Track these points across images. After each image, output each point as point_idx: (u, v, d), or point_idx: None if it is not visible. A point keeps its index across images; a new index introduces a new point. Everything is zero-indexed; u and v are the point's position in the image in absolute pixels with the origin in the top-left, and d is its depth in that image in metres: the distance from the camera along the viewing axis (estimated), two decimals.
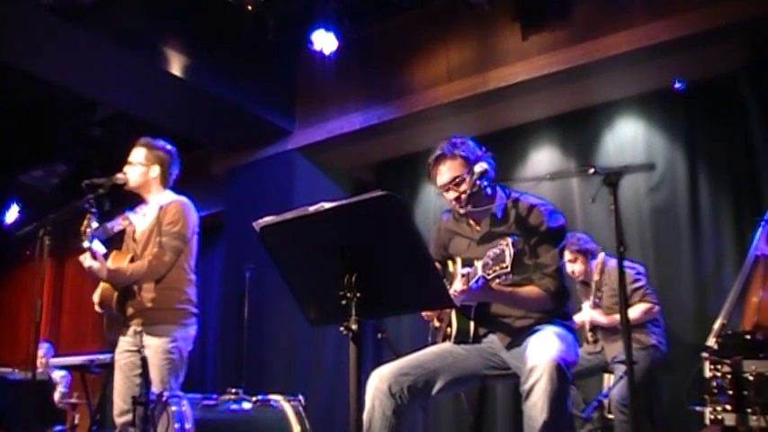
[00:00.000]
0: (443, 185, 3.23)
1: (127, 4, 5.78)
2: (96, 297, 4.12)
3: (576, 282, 5.14)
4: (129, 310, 4.08)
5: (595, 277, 4.98)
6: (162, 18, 6.08)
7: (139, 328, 4.04)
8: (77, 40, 5.65)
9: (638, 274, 4.96)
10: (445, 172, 3.21)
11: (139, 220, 4.27)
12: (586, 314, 4.96)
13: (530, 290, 3.07)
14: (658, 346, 4.81)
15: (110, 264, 4.00)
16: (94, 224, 3.89)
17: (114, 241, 4.37)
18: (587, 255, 5.07)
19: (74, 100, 7.32)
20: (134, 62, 6.00)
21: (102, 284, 4.08)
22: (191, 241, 4.21)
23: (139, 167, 4.21)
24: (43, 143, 7.98)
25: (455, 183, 3.19)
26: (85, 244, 3.87)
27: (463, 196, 3.16)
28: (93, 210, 3.90)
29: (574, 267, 5.07)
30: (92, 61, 5.93)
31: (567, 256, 5.02)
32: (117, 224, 4.30)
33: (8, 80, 6.76)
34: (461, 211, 3.22)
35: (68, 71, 6.16)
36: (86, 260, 3.90)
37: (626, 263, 4.89)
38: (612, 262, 4.95)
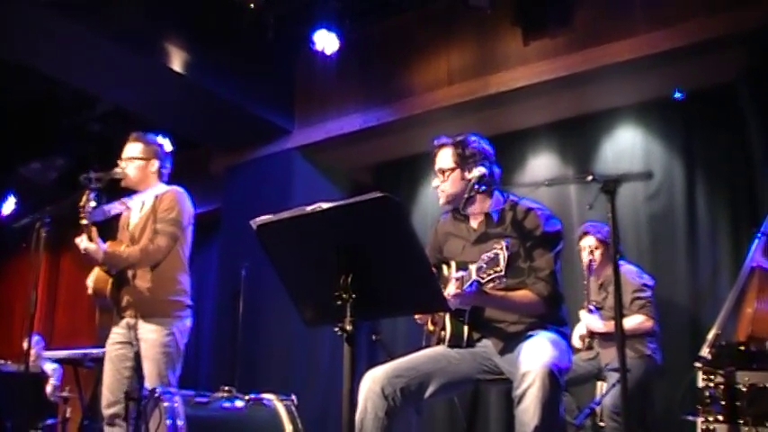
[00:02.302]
0: (435, 170, 3.32)
1: (127, 2, 5.78)
2: (90, 282, 4.10)
3: (585, 276, 5.09)
4: (124, 300, 4.07)
5: (601, 279, 4.99)
6: (162, 15, 6.08)
7: (133, 321, 4.04)
8: (77, 36, 5.64)
9: (646, 285, 4.91)
10: (439, 158, 3.31)
11: (136, 208, 4.26)
12: (584, 320, 4.94)
13: (523, 294, 3.08)
14: (653, 357, 4.80)
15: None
16: (93, 203, 3.87)
17: (109, 230, 4.35)
18: (608, 250, 4.93)
19: (73, 96, 7.33)
20: (134, 59, 5.99)
21: (96, 271, 4.06)
22: (186, 229, 4.21)
23: (138, 162, 4.21)
24: (42, 138, 7.99)
25: (441, 172, 3.28)
26: (84, 221, 3.86)
27: (442, 186, 3.26)
28: (93, 186, 3.88)
29: (594, 255, 5.01)
30: (92, 58, 5.93)
31: (591, 241, 5.02)
32: (115, 207, 4.29)
33: (8, 75, 6.76)
34: (440, 202, 3.32)
35: (68, 67, 6.16)
36: (82, 242, 3.89)
37: (638, 272, 4.95)
38: (627, 267, 4.94)
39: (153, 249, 4.04)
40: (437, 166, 3.29)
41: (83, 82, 6.54)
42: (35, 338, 7.46)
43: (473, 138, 3.31)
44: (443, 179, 3.26)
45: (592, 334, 4.95)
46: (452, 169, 3.23)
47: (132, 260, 4.02)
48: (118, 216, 4.41)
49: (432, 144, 3.36)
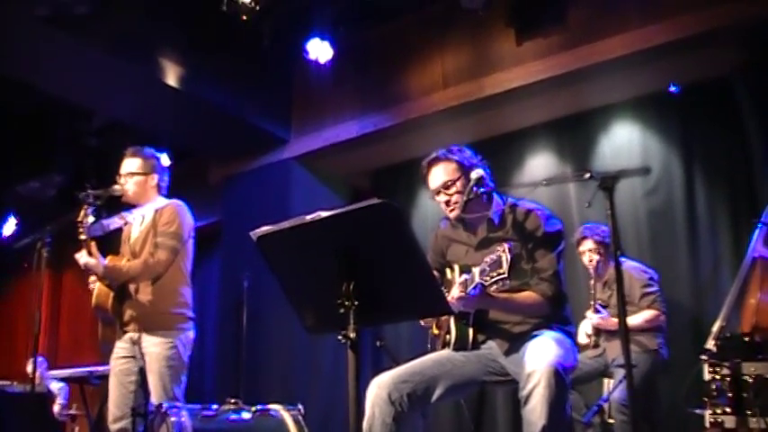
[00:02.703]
0: (435, 189, 3.26)
1: (123, 14, 5.78)
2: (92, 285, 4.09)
3: (589, 277, 5.11)
4: (126, 315, 4.06)
5: (605, 277, 4.99)
6: (158, 27, 6.09)
7: (136, 335, 4.03)
8: (74, 49, 5.65)
9: (651, 279, 4.92)
10: (437, 175, 3.25)
11: (136, 222, 4.26)
12: (593, 320, 4.92)
13: (526, 295, 3.08)
14: (660, 351, 4.79)
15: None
16: (91, 218, 3.88)
17: (110, 244, 4.35)
18: (608, 248, 4.95)
19: (70, 110, 7.33)
20: (131, 71, 6.00)
21: (97, 287, 4.06)
22: (186, 243, 4.21)
23: (137, 177, 4.20)
24: (40, 154, 7.98)
25: (445, 186, 3.22)
26: (82, 236, 3.86)
27: (454, 197, 3.20)
28: (90, 200, 3.89)
29: (593, 256, 5.02)
30: (88, 71, 5.94)
31: (590, 245, 5.01)
32: (114, 222, 4.28)
33: (4, 90, 6.77)
34: (451, 215, 3.26)
35: (65, 81, 6.17)
36: (82, 257, 3.89)
37: (641, 267, 4.95)
38: (629, 263, 4.94)
39: (153, 263, 4.04)
40: (439, 181, 3.23)
41: (79, 95, 6.53)
42: (38, 360, 7.45)
43: (457, 147, 3.29)
44: (457, 189, 3.20)
45: (598, 331, 4.94)
46: (459, 178, 3.20)
47: (132, 274, 4.02)
48: (119, 230, 4.41)
49: (427, 161, 3.29)
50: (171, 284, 4.10)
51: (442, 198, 3.25)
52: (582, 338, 4.92)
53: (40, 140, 7.87)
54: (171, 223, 4.12)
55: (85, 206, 3.87)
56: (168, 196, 4.35)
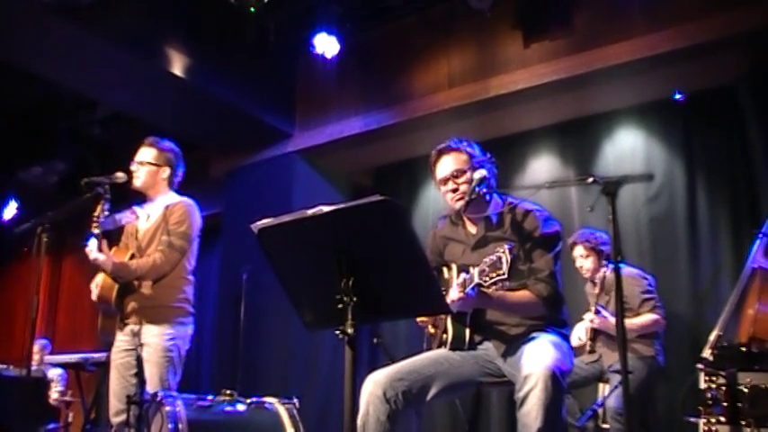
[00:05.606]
0: (444, 177, 3.24)
1: (127, 4, 5.79)
2: (95, 288, 4.08)
3: (585, 281, 5.12)
4: (128, 307, 4.08)
5: (599, 283, 4.99)
6: (163, 18, 6.09)
7: (137, 328, 4.04)
8: (78, 39, 5.65)
9: (650, 285, 4.94)
10: (448, 163, 3.24)
11: (144, 218, 4.26)
12: (593, 321, 4.90)
13: (523, 294, 3.07)
14: (656, 358, 4.79)
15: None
16: (106, 212, 3.89)
17: (114, 234, 4.36)
18: (601, 255, 4.98)
19: (73, 99, 7.33)
20: (134, 62, 6.00)
21: (102, 278, 4.07)
22: (194, 242, 4.22)
23: (149, 167, 4.21)
24: (43, 142, 8.00)
25: (455, 175, 3.21)
26: (96, 230, 3.87)
27: (462, 187, 3.18)
28: (107, 196, 3.89)
29: (584, 263, 5.03)
30: (92, 61, 5.94)
31: (581, 251, 5.03)
32: (125, 216, 4.28)
33: (8, 79, 6.77)
34: (456, 206, 3.23)
35: (68, 70, 6.17)
36: (92, 252, 3.90)
37: (640, 273, 4.96)
38: (627, 269, 4.94)
39: (161, 263, 4.04)
40: (450, 169, 3.22)
41: (82, 85, 6.54)
42: (42, 342, 7.48)
43: (467, 141, 3.31)
44: (465, 179, 3.20)
45: (595, 336, 4.94)
46: (468, 170, 3.20)
47: (140, 272, 4.03)
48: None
49: (438, 149, 3.29)
50: (174, 280, 4.12)
51: (449, 186, 3.23)
52: (573, 341, 4.91)
53: (43, 128, 7.89)
54: (181, 223, 4.13)
55: (102, 202, 3.88)
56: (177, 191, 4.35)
